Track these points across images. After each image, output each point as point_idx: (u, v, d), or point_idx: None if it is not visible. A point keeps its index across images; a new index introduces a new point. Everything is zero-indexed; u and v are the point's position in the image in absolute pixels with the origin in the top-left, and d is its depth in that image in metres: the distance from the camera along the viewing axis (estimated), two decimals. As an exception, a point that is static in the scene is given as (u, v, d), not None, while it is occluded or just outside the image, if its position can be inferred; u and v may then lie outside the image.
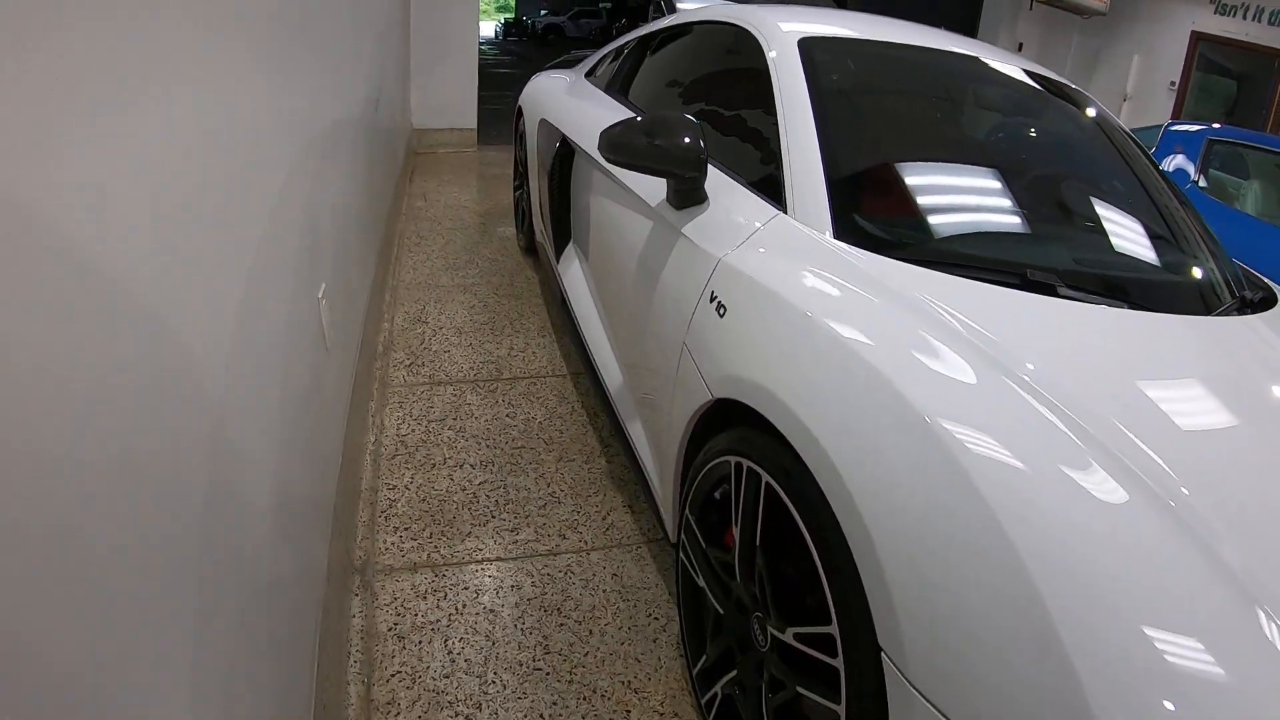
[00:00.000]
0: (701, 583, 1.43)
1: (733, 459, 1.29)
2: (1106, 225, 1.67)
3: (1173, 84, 9.16)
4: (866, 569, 0.95)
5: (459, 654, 1.55)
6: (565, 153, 2.74)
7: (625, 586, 1.77)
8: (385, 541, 1.84)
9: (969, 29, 9.70)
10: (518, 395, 2.55)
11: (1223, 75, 9.23)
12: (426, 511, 1.96)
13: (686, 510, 1.48)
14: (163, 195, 0.72)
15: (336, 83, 2.05)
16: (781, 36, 1.84)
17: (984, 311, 1.20)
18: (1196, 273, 1.60)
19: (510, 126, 4.16)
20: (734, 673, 1.32)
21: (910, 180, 1.66)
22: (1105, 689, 0.75)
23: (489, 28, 27.25)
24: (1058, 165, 1.93)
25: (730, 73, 2.15)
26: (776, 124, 1.64)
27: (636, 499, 2.08)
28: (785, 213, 1.49)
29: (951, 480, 0.90)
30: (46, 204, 0.51)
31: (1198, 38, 9.02)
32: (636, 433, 1.88)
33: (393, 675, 1.49)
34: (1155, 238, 1.68)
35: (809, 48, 1.79)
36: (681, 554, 1.52)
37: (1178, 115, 8.93)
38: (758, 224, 1.49)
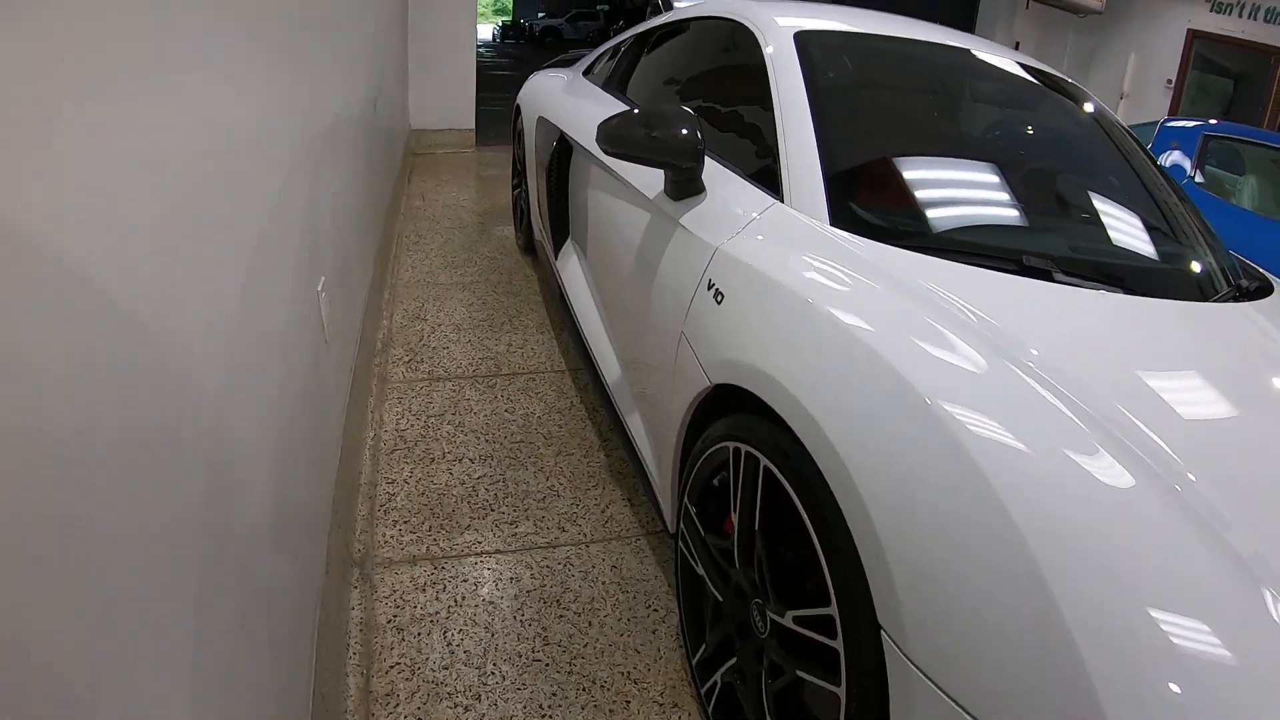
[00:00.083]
0: (701, 571, 1.43)
1: (731, 444, 1.29)
2: (1103, 215, 1.67)
3: (1169, 82, 9.18)
4: (866, 548, 0.95)
5: (458, 646, 1.55)
6: (563, 150, 2.74)
7: (624, 578, 1.77)
8: (384, 535, 1.84)
9: (966, 28, 9.69)
10: (516, 391, 2.55)
11: (1219, 73, 9.25)
12: (426, 505, 1.95)
13: (685, 499, 1.48)
14: (164, 192, 0.72)
15: (336, 83, 2.05)
16: (778, 31, 1.84)
17: (984, 296, 1.20)
18: (1194, 262, 1.60)
19: (508, 127, 4.17)
20: (733, 660, 1.32)
21: (906, 170, 1.66)
22: (1108, 667, 0.74)
23: (487, 30, 27.27)
24: (1054, 157, 1.93)
25: (727, 67, 2.15)
26: (773, 116, 1.64)
27: (635, 492, 2.08)
28: (782, 202, 1.49)
29: (953, 459, 0.90)
30: (47, 200, 0.52)
31: (1194, 36, 9.04)
32: (635, 425, 1.88)
33: (392, 667, 1.49)
34: (1151, 228, 1.68)
35: (805, 42, 1.80)
36: (680, 543, 1.52)
37: (1174, 113, 8.95)
38: (755, 213, 1.50)
